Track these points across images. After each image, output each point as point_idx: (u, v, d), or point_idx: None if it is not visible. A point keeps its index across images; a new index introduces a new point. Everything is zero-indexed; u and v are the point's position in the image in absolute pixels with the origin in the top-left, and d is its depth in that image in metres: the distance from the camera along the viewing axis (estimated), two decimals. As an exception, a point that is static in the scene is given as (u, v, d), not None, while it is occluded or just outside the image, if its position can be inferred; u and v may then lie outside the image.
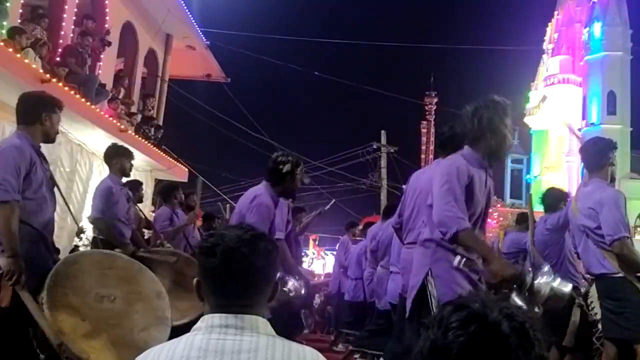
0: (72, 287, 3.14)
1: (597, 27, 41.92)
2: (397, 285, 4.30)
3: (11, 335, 2.98)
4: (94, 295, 3.19)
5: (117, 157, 4.99)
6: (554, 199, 4.95)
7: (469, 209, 2.75)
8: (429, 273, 2.74)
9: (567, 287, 2.93)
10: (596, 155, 3.69)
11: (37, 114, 3.30)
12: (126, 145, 8.05)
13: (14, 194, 3.03)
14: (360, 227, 8.75)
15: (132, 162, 5.17)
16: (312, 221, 7.18)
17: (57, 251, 3.58)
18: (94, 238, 4.83)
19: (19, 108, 3.35)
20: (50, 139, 3.46)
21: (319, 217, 7.24)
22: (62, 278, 3.11)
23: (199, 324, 1.37)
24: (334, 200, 7.90)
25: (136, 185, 5.96)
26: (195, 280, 1.44)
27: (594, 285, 4.83)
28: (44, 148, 3.56)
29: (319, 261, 27.21)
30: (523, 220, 6.19)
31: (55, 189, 3.59)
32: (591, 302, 4.46)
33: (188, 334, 1.36)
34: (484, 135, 2.84)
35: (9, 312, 2.99)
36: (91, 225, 4.95)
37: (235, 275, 1.38)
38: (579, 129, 41.16)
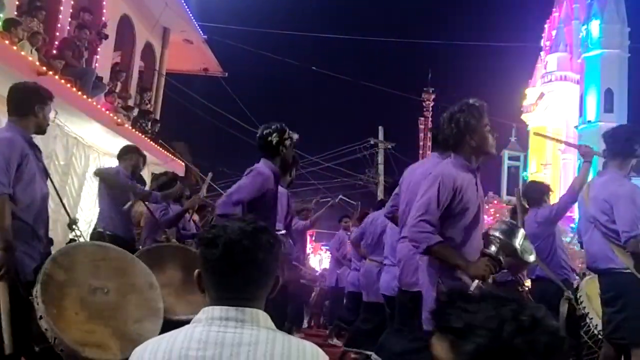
0: (65, 280, 3.13)
1: (595, 25, 41.98)
2: (392, 277, 4.33)
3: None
4: (87, 287, 3.18)
5: (131, 154, 5.15)
6: (537, 192, 4.92)
7: (459, 216, 2.77)
8: (440, 283, 2.73)
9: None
10: (625, 142, 3.45)
11: (30, 105, 3.28)
12: (124, 139, 8.07)
13: (3, 187, 3.03)
14: (350, 220, 8.77)
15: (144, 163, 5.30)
16: (323, 215, 7.15)
17: (51, 242, 3.54)
18: (99, 232, 4.71)
19: (11, 99, 3.31)
20: (42, 130, 3.43)
21: (327, 211, 7.23)
22: (54, 271, 3.10)
23: (199, 315, 1.37)
24: (340, 196, 7.93)
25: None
26: (196, 271, 1.44)
27: (584, 280, 4.85)
28: (38, 141, 3.54)
29: (315, 257, 27.26)
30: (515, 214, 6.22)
31: (49, 182, 3.55)
32: (580, 296, 4.47)
33: (188, 326, 1.36)
34: (464, 138, 2.84)
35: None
36: (87, 218, 4.94)
37: (237, 267, 1.37)
38: (576, 127, 41.27)
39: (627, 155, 3.45)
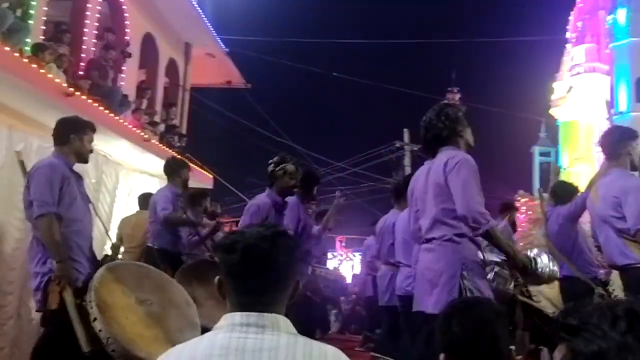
0: (116, 289, 3.34)
1: (621, 13, 40.99)
2: (405, 277, 4.38)
3: (60, 334, 3.23)
4: (134, 298, 3.39)
5: (179, 169, 5.41)
6: (566, 192, 4.88)
7: None
8: (463, 267, 2.83)
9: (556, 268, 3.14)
10: (612, 144, 3.60)
11: (67, 135, 3.65)
12: (151, 155, 8.19)
13: (50, 207, 3.33)
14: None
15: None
16: (333, 215, 6.87)
17: (95, 263, 3.78)
18: (148, 247, 5.02)
19: (53, 132, 3.72)
20: (82, 158, 3.77)
21: (340, 215, 7.04)
22: (106, 280, 3.31)
23: (220, 322, 1.38)
24: (338, 190, 7.69)
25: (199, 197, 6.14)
26: (216, 278, 1.45)
27: (614, 272, 4.73)
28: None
29: (347, 262, 27.14)
30: (505, 209, 6.15)
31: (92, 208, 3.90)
32: (613, 289, 4.36)
33: (210, 333, 1.37)
34: (456, 130, 3.01)
35: (58, 314, 3.27)
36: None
37: (256, 271, 1.37)
38: (607, 118, 40.32)
39: (620, 155, 3.55)
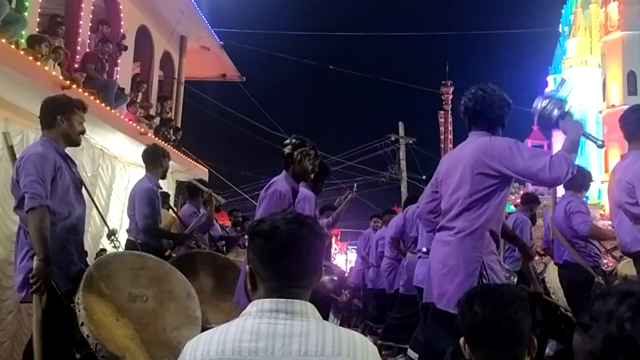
0: (107, 287, 3.19)
1: (613, 7, 41.18)
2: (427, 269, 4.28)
3: (49, 335, 3.04)
4: (127, 295, 3.24)
5: (161, 158, 4.97)
6: (580, 178, 4.73)
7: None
8: (484, 266, 2.72)
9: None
10: (634, 123, 3.42)
11: (53, 117, 3.32)
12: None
13: (42, 199, 3.09)
14: (380, 220, 8.70)
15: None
16: (344, 210, 6.83)
17: (85, 254, 3.59)
18: (131, 241, 4.70)
19: (39, 114, 3.39)
20: (72, 140, 3.43)
21: (348, 206, 6.97)
22: (96, 279, 3.17)
23: (248, 308, 1.40)
24: (355, 185, 7.71)
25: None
26: (247, 269, 1.46)
27: (620, 264, 4.73)
28: (70, 153, 3.60)
29: (341, 256, 27.23)
30: (528, 201, 6.21)
31: (84, 191, 3.62)
32: (614, 281, 4.38)
33: (238, 319, 1.39)
34: (504, 119, 2.93)
35: (47, 314, 3.06)
36: (122, 228, 4.98)
37: (298, 255, 1.41)
38: (600, 112, 40.48)
39: None
